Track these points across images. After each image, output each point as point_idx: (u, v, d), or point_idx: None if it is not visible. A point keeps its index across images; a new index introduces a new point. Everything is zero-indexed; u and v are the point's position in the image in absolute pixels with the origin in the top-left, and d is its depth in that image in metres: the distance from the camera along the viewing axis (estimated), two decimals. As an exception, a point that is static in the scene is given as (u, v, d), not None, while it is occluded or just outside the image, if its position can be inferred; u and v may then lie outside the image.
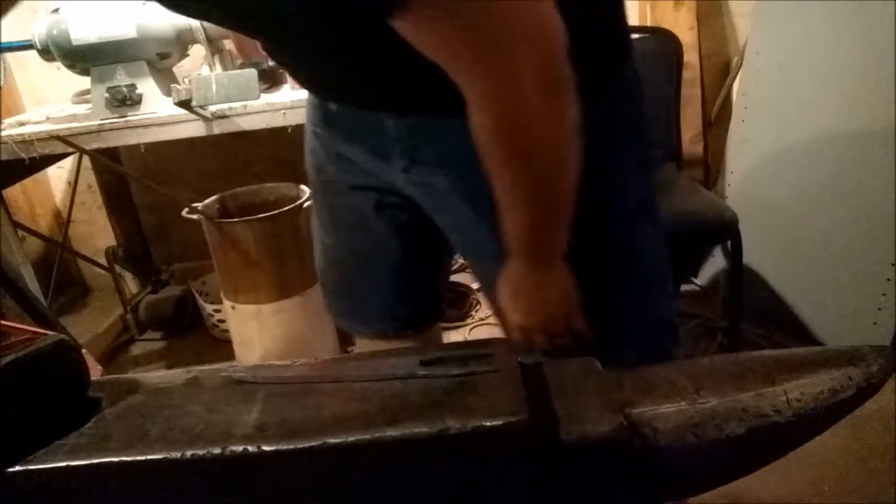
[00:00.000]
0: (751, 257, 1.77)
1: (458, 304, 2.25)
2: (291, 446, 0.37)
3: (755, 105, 1.88)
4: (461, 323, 2.15)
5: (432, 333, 1.05)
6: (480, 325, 2.09)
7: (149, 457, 0.37)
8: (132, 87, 1.63)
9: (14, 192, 2.30)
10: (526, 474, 0.38)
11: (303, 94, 1.65)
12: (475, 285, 2.23)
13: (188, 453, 0.37)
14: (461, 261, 2.46)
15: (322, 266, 0.97)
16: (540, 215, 0.62)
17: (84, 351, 0.44)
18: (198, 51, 1.73)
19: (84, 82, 1.72)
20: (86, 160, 2.24)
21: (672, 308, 0.82)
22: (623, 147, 0.73)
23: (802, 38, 1.69)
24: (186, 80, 1.57)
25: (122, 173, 2.27)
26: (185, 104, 1.52)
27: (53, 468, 0.37)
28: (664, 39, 1.82)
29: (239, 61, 1.73)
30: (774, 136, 1.78)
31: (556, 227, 0.63)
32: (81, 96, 1.95)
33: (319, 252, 0.96)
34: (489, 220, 0.66)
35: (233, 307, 1.76)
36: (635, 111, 0.75)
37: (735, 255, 1.62)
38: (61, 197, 2.52)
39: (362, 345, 1.03)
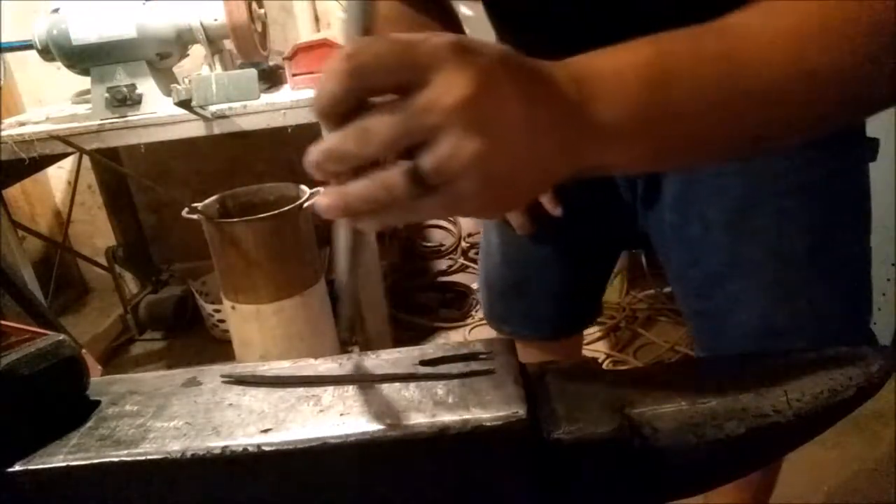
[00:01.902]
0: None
1: (458, 304, 2.25)
2: (291, 446, 0.37)
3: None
4: (461, 323, 2.15)
5: (580, 337, 1.06)
6: (480, 325, 2.10)
7: (149, 457, 0.37)
8: (132, 87, 1.63)
9: (14, 192, 2.30)
10: (526, 474, 0.38)
11: (302, 95, 1.65)
12: (475, 285, 2.23)
13: (188, 453, 0.37)
14: (461, 260, 2.47)
15: (495, 266, 0.94)
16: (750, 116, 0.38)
17: (84, 351, 0.44)
18: (198, 51, 1.73)
19: (84, 82, 1.73)
20: (86, 160, 2.24)
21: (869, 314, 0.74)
22: (861, 140, 0.70)
23: None
24: (186, 80, 1.57)
25: (122, 173, 2.27)
26: (185, 104, 1.52)
27: (53, 468, 0.37)
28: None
29: (239, 61, 1.74)
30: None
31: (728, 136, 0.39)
32: (81, 96, 1.95)
33: (495, 251, 0.93)
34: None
35: (233, 307, 1.76)
36: None
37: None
38: (61, 197, 2.52)
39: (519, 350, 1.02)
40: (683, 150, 0.40)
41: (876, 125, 1.55)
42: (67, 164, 2.36)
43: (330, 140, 0.35)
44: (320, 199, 0.37)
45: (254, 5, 1.65)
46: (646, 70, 0.37)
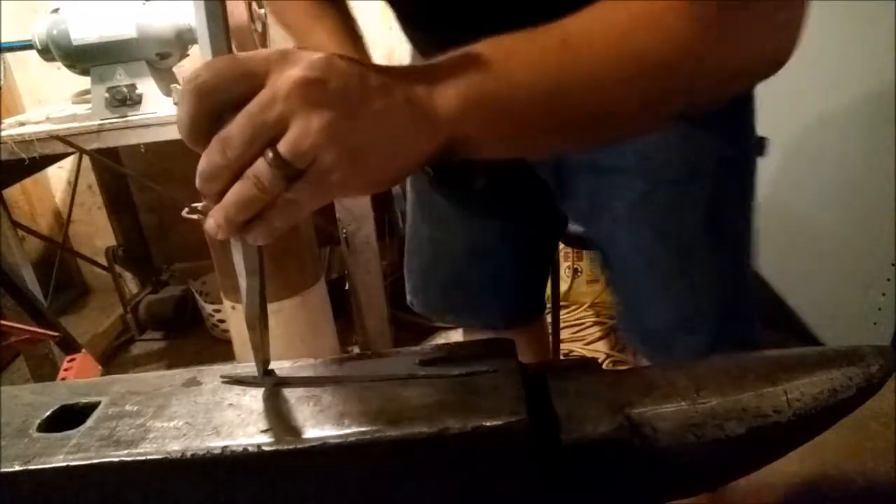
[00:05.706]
0: (751, 257, 1.77)
1: (458, 304, 2.25)
2: (291, 446, 0.37)
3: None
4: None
5: (541, 325, 1.06)
6: (480, 325, 2.09)
7: (149, 457, 0.37)
8: (132, 87, 1.63)
9: (14, 192, 2.30)
10: (526, 474, 0.38)
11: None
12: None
13: (188, 453, 0.37)
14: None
15: (427, 262, 0.94)
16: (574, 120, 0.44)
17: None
18: (198, 51, 1.73)
19: (84, 82, 1.72)
20: (86, 160, 2.24)
21: (754, 317, 0.79)
22: (750, 136, 0.73)
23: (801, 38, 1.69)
24: (186, 80, 1.57)
25: (122, 173, 2.27)
26: (185, 104, 1.52)
27: (53, 468, 0.37)
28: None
29: (239, 61, 1.73)
30: (773, 137, 1.78)
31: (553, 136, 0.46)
32: (81, 96, 1.95)
33: (425, 247, 0.93)
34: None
35: (233, 307, 1.76)
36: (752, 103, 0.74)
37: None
38: (61, 197, 2.52)
39: (470, 338, 1.02)
40: (534, 127, 0.44)
41: (874, 123, 1.54)
42: (67, 164, 2.36)
43: (201, 162, 0.38)
44: (207, 221, 0.39)
45: (254, 5, 1.65)
46: (483, 57, 0.41)
